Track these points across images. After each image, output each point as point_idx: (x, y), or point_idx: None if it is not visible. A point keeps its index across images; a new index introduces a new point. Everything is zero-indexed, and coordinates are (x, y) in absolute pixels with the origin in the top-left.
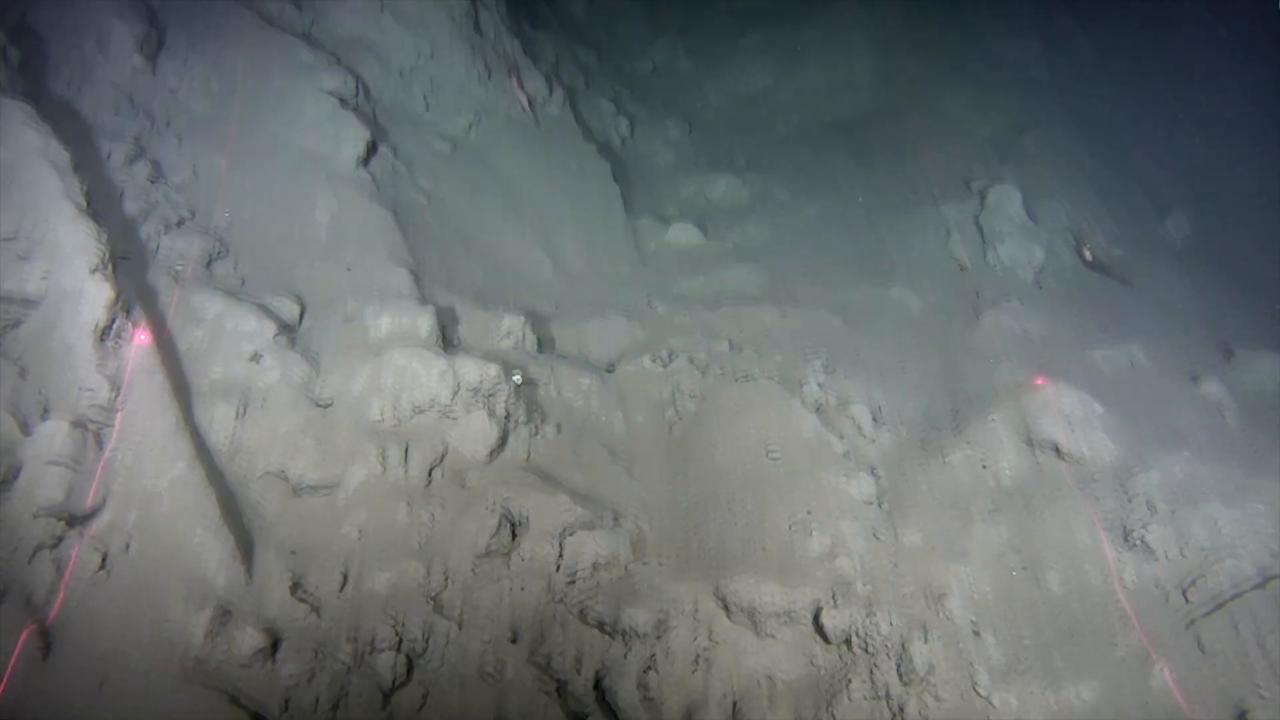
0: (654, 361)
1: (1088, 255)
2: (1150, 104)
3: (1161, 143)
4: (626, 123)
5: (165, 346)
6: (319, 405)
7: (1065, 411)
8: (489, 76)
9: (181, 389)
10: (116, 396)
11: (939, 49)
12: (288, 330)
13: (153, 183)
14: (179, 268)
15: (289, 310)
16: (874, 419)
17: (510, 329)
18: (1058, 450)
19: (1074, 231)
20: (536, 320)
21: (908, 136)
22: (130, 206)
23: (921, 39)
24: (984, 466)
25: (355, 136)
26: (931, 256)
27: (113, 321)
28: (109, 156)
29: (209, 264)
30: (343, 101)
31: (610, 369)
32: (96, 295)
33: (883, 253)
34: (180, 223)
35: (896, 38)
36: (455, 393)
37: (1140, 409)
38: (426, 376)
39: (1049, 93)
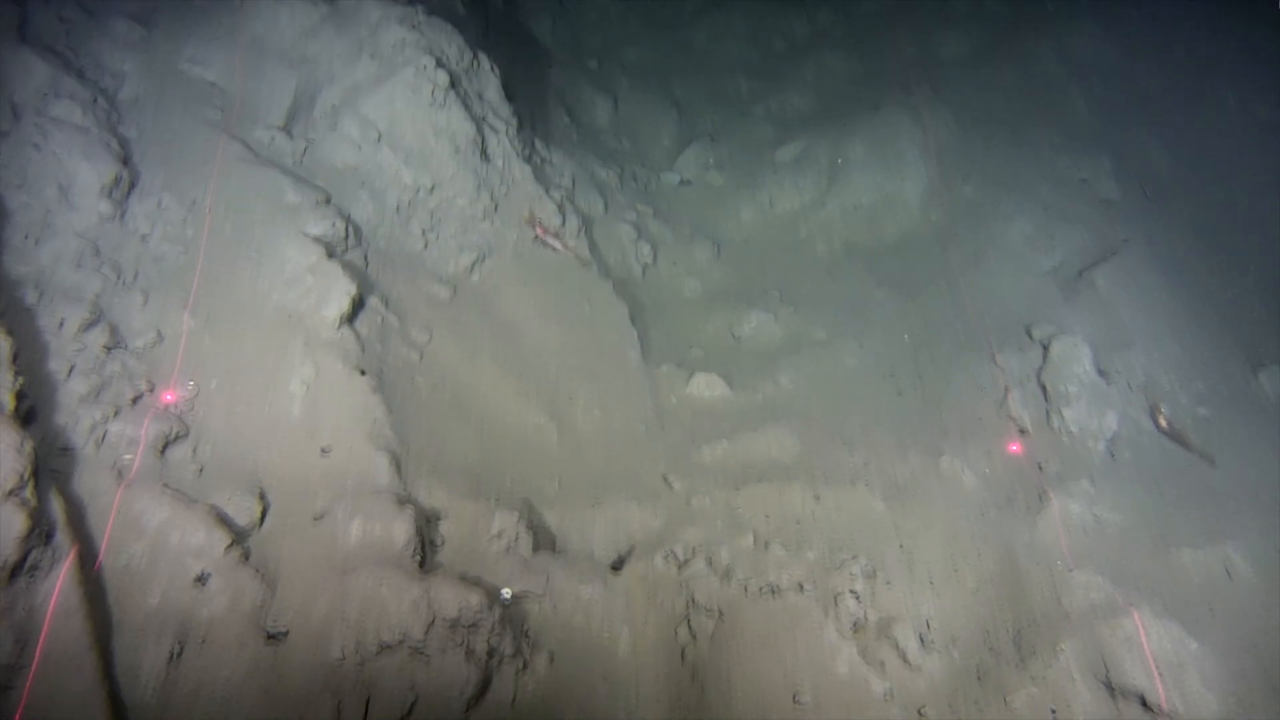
0: (667, 561)
1: (1162, 423)
2: (1241, 230)
3: (1255, 277)
4: (649, 249)
5: (94, 574)
6: (271, 637)
7: (1152, 649)
8: (495, 209)
9: (108, 627)
10: (25, 650)
11: (996, 166)
12: (243, 539)
13: (109, 350)
14: (127, 459)
15: (249, 510)
16: (921, 640)
17: (502, 528)
18: (1144, 701)
19: (1148, 393)
20: (535, 507)
21: (961, 267)
22: (79, 385)
23: (977, 155)
24: (1053, 712)
25: (340, 292)
26: (987, 417)
27: (27, 555)
28: (62, 325)
29: (164, 449)
30: (329, 250)
31: (617, 566)
32: (8, 527)
33: (932, 411)
34: (136, 399)
35: (949, 153)
36: (429, 626)
37: (1243, 639)
38: (397, 606)
39: (1121, 217)
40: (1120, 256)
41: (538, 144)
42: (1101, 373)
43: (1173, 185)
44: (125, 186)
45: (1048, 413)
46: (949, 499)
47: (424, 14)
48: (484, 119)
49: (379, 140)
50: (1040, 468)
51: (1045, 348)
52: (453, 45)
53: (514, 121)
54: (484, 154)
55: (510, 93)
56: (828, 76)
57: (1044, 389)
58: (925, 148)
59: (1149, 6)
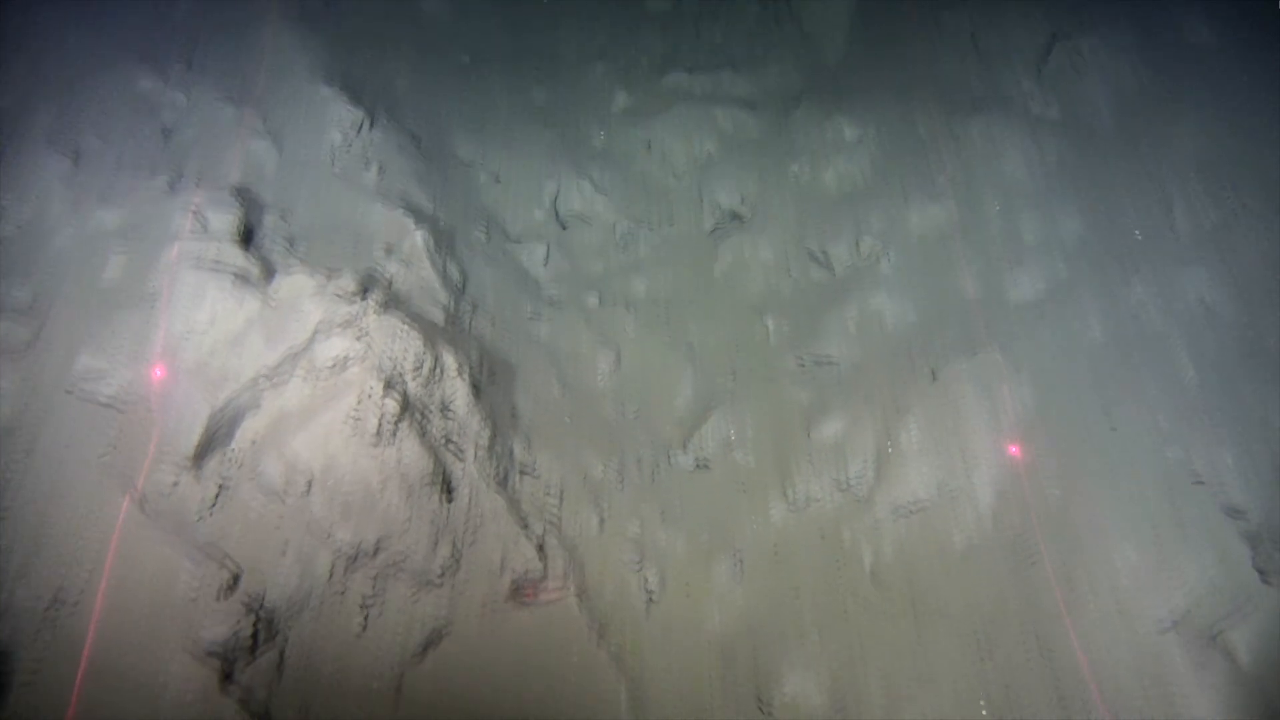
0: None
1: None
2: None
3: None
4: (655, 574)
5: None
6: None
7: None
8: (457, 564)
9: None
10: None
11: (1087, 457)
12: None
13: None
14: None
15: None
16: None
17: None
18: None
19: None
20: None
21: (1049, 604)
22: None
23: (1061, 441)
24: None
25: None
26: None
27: None
28: None
29: None
30: (226, 668)
31: None
32: None
33: None
34: None
35: (1027, 438)
36: None
37: None
38: None
39: (1255, 537)
40: (1266, 613)
41: (517, 447)
42: None
43: None
44: None
45: None
46: None
47: (376, 310)
48: (447, 441)
49: (309, 489)
50: None
51: None
52: (409, 354)
53: (486, 434)
54: (445, 491)
55: (488, 374)
56: (873, 324)
57: None
58: (997, 430)
59: (1263, 241)
